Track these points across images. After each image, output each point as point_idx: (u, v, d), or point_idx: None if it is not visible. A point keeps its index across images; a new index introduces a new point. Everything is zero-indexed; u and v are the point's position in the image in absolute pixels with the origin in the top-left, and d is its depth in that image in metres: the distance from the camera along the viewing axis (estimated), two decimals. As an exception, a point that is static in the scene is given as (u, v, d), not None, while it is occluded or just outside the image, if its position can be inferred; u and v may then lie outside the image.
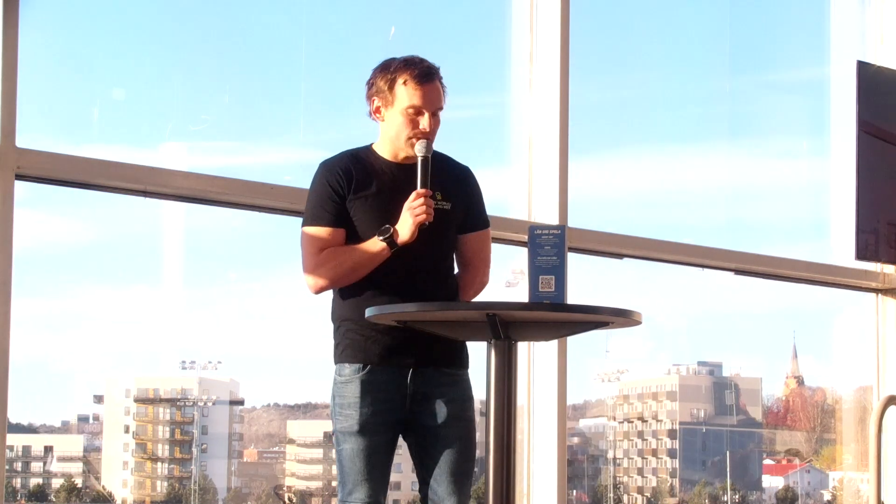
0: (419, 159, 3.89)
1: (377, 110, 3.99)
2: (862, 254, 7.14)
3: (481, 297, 4.13)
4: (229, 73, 6.62)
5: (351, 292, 3.95)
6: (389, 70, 3.95)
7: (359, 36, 6.92)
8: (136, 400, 8.65)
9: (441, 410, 3.95)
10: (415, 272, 3.94)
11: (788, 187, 8.33)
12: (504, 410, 3.52)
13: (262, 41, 6.75)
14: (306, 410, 8.97)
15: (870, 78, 7.19)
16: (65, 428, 8.48)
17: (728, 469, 9.86)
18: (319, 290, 3.97)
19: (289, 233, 7.38)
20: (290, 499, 8.56)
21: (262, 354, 7.99)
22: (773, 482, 10.24)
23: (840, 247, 7.42)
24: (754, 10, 8.13)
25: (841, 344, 8.17)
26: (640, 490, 9.97)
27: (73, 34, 6.15)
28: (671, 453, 9.95)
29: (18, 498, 8.24)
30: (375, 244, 3.89)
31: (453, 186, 4.01)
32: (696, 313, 8.72)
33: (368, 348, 3.93)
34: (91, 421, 8.65)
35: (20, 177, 4.79)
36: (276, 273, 7.79)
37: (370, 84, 4.00)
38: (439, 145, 3.98)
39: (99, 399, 8.64)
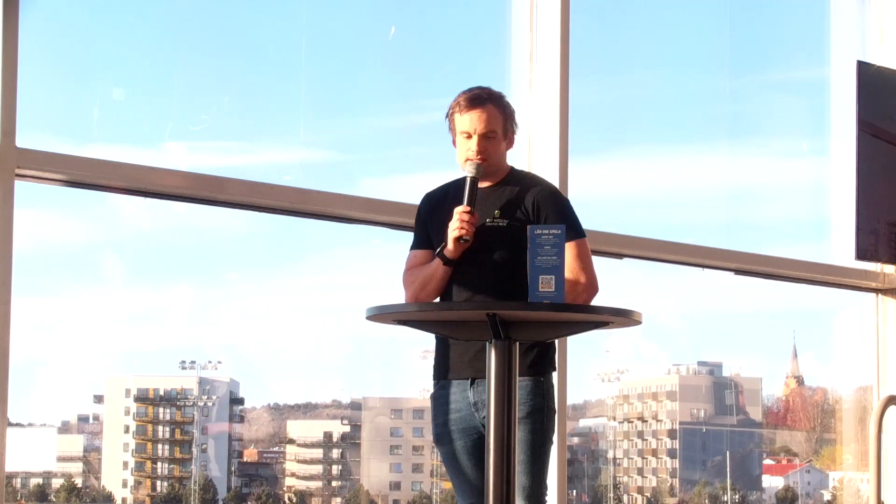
0: (468, 180, 4.07)
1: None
2: (862, 254, 7.14)
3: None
4: (229, 73, 6.62)
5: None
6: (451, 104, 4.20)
7: (359, 36, 6.92)
8: (136, 400, 8.64)
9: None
10: (485, 281, 4.09)
11: (788, 187, 8.33)
12: (504, 410, 3.53)
13: (262, 41, 6.76)
14: (306, 410, 8.96)
15: (870, 78, 7.18)
16: (65, 428, 8.47)
17: (728, 469, 9.86)
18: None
19: (289, 233, 7.40)
20: (290, 499, 8.56)
21: (262, 354, 7.98)
22: (773, 482, 10.24)
23: (840, 247, 7.41)
24: (754, 10, 8.13)
25: (841, 344, 8.17)
26: (640, 490, 9.97)
27: (73, 34, 6.15)
28: (671, 453, 9.95)
29: (19, 498, 8.23)
30: (434, 261, 4.11)
31: (519, 206, 4.15)
32: (696, 313, 8.71)
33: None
34: (91, 421, 8.64)
35: (20, 177, 4.79)
36: (276, 273, 7.79)
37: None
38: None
39: (99, 399, 8.63)
